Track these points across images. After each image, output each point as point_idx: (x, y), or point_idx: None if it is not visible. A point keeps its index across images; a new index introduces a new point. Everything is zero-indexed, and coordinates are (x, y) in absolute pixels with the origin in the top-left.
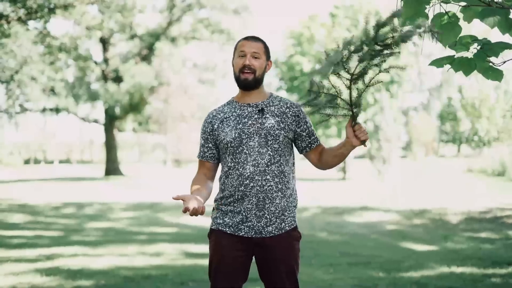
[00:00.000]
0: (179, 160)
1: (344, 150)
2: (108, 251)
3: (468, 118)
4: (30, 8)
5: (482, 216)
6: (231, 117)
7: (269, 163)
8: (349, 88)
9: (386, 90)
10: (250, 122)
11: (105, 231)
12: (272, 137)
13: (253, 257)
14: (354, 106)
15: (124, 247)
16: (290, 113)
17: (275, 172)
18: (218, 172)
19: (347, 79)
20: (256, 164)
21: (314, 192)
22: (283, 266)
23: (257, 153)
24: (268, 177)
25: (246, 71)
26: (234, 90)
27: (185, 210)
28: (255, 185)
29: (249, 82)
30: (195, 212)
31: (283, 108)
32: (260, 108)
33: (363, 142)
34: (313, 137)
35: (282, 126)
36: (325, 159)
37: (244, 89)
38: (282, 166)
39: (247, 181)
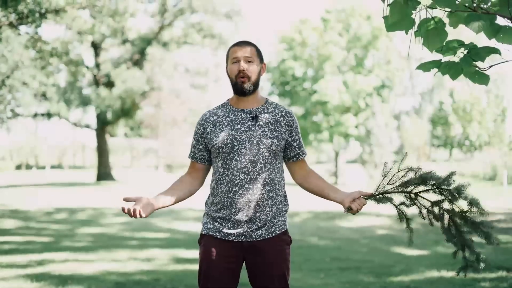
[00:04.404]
0: (171, 165)
1: (334, 198)
2: (99, 256)
3: (459, 122)
4: (21, 13)
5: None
6: (224, 122)
7: (260, 171)
8: (394, 192)
9: (378, 95)
10: (243, 128)
11: (97, 236)
12: (264, 145)
13: (243, 262)
14: (380, 196)
15: (115, 252)
16: (284, 121)
17: (266, 180)
18: (209, 175)
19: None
20: (247, 172)
21: (305, 196)
22: (275, 270)
23: (248, 160)
24: (259, 185)
25: (241, 76)
26: (226, 94)
27: (122, 209)
28: (245, 192)
29: (246, 87)
30: (130, 214)
31: (278, 116)
32: (254, 115)
33: (348, 209)
34: (302, 148)
35: (275, 134)
36: (313, 188)
37: (242, 95)
38: (273, 174)
39: (236, 188)
